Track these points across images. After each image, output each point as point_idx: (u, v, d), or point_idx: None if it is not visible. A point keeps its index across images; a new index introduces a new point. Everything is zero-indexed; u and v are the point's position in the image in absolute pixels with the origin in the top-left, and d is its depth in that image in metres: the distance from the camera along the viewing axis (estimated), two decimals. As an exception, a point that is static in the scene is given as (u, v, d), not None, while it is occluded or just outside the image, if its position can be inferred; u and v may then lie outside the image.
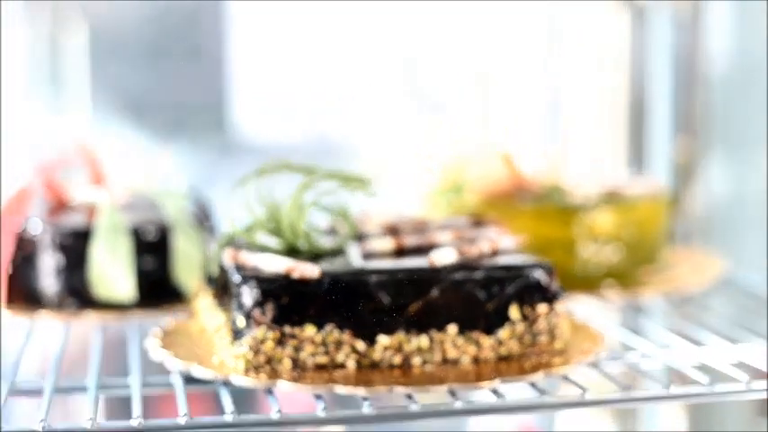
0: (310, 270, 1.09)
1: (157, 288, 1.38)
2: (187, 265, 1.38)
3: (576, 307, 1.34)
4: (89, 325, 1.33)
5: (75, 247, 1.37)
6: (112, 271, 1.35)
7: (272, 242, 1.20)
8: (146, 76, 2.15)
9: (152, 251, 1.38)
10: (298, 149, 2.05)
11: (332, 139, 2.15)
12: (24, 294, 1.38)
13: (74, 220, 1.40)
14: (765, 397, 1.09)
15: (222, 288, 1.19)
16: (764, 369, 1.14)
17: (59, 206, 1.47)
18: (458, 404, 1.03)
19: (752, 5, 1.81)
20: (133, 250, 1.37)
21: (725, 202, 1.91)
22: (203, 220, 1.45)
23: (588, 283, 1.47)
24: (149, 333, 1.22)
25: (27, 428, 0.96)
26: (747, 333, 1.27)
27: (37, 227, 1.37)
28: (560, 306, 1.15)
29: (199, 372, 1.10)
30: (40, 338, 1.31)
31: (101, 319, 1.33)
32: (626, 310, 1.42)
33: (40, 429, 0.97)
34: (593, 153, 2.06)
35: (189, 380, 1.11)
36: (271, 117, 2.16)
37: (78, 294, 1.36)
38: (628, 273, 1.51)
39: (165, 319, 1.30)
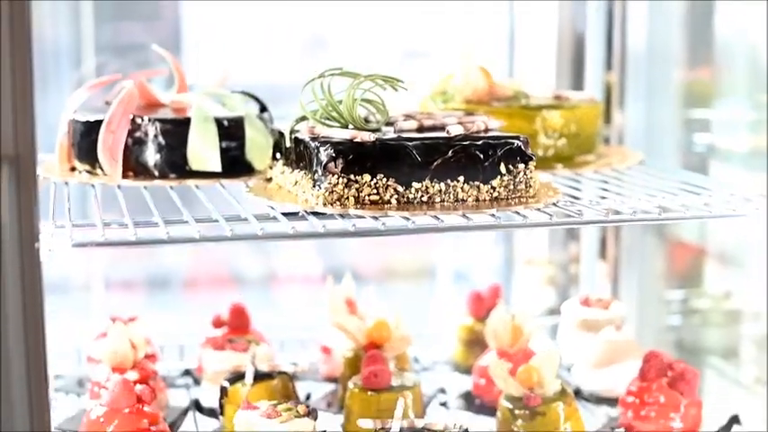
0: (368, 136, 1.62)
1: (236, 164, 1.89)
2: (257, 148, 1.90)
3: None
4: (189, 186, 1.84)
5: (173, 133, 1.87)
6: (204, 150, 1.86)
7: (332, 123, 1.72)
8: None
9: (231, 136, 1.89)
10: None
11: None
12: (136, 168, 1.88)
13: (168, 114, 1.91)
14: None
15: (296, 155, 1.71)
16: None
17: (153, 105, 1.97)
18: (470, 222, 1.57)
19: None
20: (218, 135, 1.88)
21: (643, 115, 2.51)
22: (264, 113, 1.97)
23: (544, 163, 2.00)
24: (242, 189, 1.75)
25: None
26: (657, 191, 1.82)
27: (144, 119, 1.87)
28: (533, 165, 1.68)
29: (291, 207, 1.62)
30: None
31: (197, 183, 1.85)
32: (570, 181, 1.95)
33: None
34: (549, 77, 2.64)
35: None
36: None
37: (177, 167, 1.87)
38: (572, 158, 2.05)
39: (250, 182, 1.83)
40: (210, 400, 2.04)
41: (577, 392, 2.11)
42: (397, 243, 3.14)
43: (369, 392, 1.87)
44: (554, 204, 1.67)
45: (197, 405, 2.08)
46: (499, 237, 2.83)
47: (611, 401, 2.10)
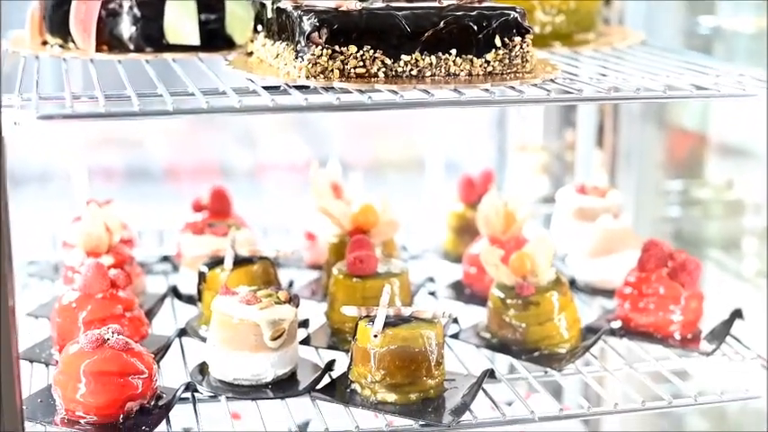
0: (354, 5, 1.52)
1: (215, 37, 1.79)
2: (237, 20, 1.79)
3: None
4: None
5: (149, 4, 1.77)
6: (182, 22, 1.76)
7: (317, -9, 1.61)
8: None
9: (210, 8, 1.78)
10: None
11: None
12: (110, 42, 1.77)
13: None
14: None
15: (278, 26, 1.61)
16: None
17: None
18: (462, 97, 1.47)
19: None
20: (196, 7, 1.77)
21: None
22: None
23: (541, 41, 1.89)
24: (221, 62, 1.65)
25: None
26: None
27: (118, -12, 1.77)
28: (530, 39, 1.58)
29: (273, 80, 1.52)
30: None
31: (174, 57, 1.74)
32: (569, 59, 1.84)
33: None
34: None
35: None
36: None
37: (154, 40, 1.77)
38: (570, 36, 1.95)
39: (229, 56, 1.72)
40: (189, 286, 1.95)
41: (572, 283, 2.02)
42: (386, 133, 3.05)
43: (353, 279, 1.78)
44: (552, 81, 1.57)
45: (175, 291, 2.00)
46: (492, 122, 2.73)
47: (607, 293, 2.02)
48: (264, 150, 3.05)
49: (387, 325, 1.59)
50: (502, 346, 1.79)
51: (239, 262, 1.81)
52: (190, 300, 1.95)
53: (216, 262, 1.83)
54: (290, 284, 2.05)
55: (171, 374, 1.72)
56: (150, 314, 1.89)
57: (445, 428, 1.56)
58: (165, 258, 2.22)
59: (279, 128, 3.08)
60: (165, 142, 3.01)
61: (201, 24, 1.77)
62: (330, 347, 1.78)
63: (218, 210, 2.13)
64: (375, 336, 1.58)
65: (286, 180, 2.91)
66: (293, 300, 1.66)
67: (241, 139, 3.05)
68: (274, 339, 1.62)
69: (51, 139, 2.75)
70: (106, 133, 2.93)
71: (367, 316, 1.62)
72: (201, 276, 1.82)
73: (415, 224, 2.36)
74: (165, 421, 1.55)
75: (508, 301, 1.78)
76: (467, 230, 2.20)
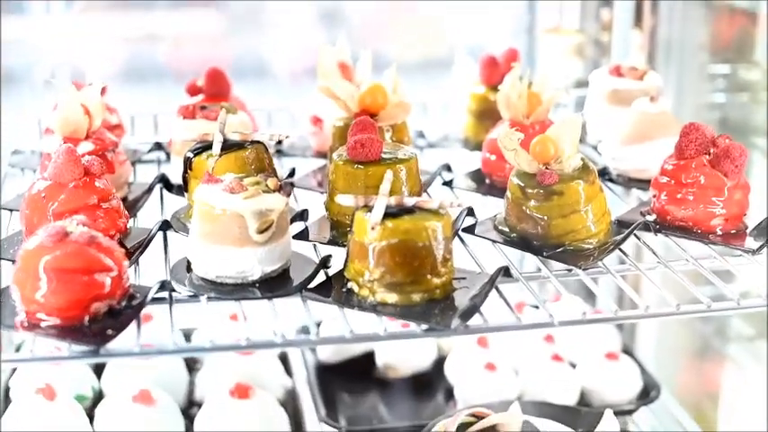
0: None
1: None
2: None
3: None
4: None
5: None
6: None
7: None
8: None
9: None
10: None
11: None
12: None
13: None
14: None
15: None
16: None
17: None
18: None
19: None
20: None
21: None
22: None
23: None
24: None
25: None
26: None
27: None
28: None
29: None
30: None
31: None
32: None
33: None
34: None
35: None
36: None
37: None
38: None
39: None
40: (179, 175, 1.77)
41: (604, 173, 1.83)
42: (410, 25, 2.84)
43: (354, 165, 1.59)
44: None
45: (163, 181, 1.82)
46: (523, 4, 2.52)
47: (643, 183, 1.82)
48: (275, 40, 2.84)
49: (387, 216, 1.40)
50: (521, 242, 1.60)
51: (229, 147, 1.62)
52: (180, 190, 1.77)
53: (204, 147, 1.64)
54: (291, 173, 1.86)
55: (153, 272, 1.54)
56: (135, 206, 1.72)
57: (452, 333, 1.37)
58: (159, 146, 2.03)
59: (301, 27, 2.89)
60: (173, 35, 2.81)
61: None
62: (329, 242, 1.60)
63: (214, 92, 1.94)
64: (372, 228, 1.39)
65: (298, 67, 2.71)
66: (284, 188, 1.47)
67: (256, 30, 2.85)
68: (261, 232, 1.44)
69: (53, 32, 2.59)
70: (109, 28, 2.75)
71: (366, 206, 1.43)
72: (187, 163, 1.64)
73: (434, 109, 2.16)
74: (135, 324, 1.37)
75: (528, 190, 1.58)
76: (489, 115, 1.99)
